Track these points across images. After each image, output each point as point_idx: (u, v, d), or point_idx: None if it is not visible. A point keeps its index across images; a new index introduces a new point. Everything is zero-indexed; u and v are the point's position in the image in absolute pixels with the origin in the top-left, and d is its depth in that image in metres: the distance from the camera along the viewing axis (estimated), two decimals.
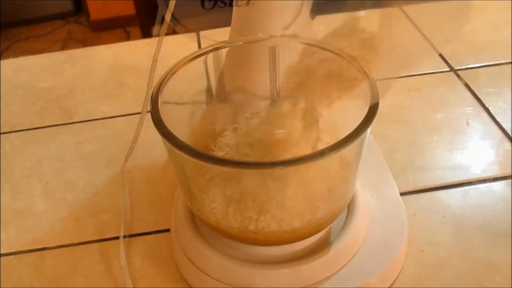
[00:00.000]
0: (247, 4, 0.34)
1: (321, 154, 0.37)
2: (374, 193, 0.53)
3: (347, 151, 0.38)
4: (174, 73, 0.45)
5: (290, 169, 0.38)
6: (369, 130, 0.38)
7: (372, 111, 0.38)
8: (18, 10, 3.02)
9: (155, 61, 0.49)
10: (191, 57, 0.46)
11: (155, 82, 0.44)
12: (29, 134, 0.71)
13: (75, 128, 0.71)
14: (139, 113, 0.60)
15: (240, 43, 0.47)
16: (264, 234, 0.41)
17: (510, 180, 0.57)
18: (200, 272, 0.47)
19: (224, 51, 0.47)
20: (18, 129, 0.72)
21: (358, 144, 0.40)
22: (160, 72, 0.45)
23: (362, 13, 0.97)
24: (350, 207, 0.48)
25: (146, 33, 2.43)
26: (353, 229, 0.47)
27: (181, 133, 0.45)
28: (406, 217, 0.51)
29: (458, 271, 0.49)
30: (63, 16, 3.15)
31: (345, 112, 0.44)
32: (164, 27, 0.47)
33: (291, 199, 0.40)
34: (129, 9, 2.63)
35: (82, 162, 0.65)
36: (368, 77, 0.41)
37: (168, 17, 0.45)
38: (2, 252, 0.55)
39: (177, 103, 0.47)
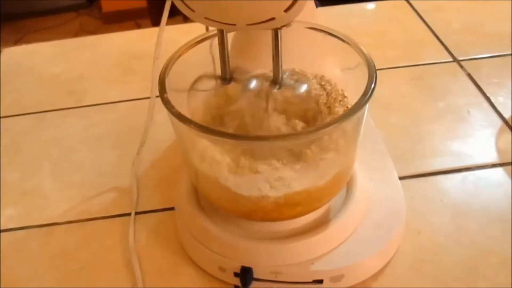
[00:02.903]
0: None
1: (320, 128, 0.38)
2: (373, 177, 0.54)
3: (345, 126, 0.39)
4: (179, 56, 0.46)
5: (288, 143, 0.40)
6: (366, 106, 0.40)
7: (369, 89, 0.40)
8: (31, 2, 3.05)
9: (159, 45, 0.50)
10: (197, 40, 0.48)
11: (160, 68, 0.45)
12: (39, 116, 0.73)
13: (84, 111, 0.73)
14: (146, 97, 0.61)
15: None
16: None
17: (509, 167, 0.58)
18: (203, 248, 0.48)
19: (230, 34, 0.48)
20: (28, 111, 0.74)
21: (357, 120, 0.41)
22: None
23: (370, 4, 0.97)
24: (348, 187, 0.50)
25: (157, 26, 2.45)
26: (351, 207, 0.48)
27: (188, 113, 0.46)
28: (404, 200, 0.52)
29: (454, 253, 0.50)
30: (75, 8, 3.18)
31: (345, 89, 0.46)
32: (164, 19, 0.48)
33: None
34: (140, 1, 2.65)
35: (90, 144, 0.67)
36: (366, 58, 0.42)
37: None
38: (10, 226, 0.56)
39: (181, 88, 0.48)
